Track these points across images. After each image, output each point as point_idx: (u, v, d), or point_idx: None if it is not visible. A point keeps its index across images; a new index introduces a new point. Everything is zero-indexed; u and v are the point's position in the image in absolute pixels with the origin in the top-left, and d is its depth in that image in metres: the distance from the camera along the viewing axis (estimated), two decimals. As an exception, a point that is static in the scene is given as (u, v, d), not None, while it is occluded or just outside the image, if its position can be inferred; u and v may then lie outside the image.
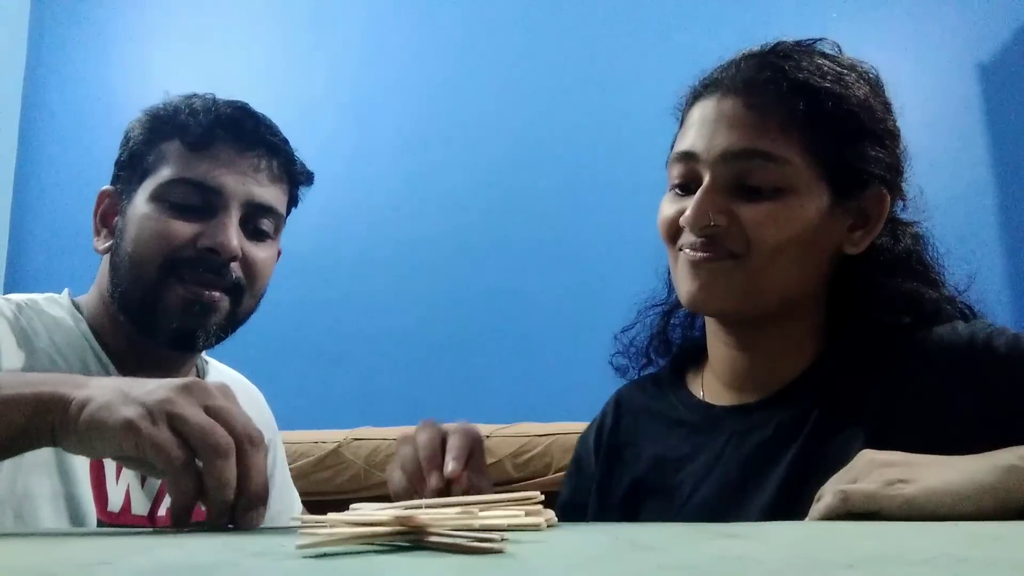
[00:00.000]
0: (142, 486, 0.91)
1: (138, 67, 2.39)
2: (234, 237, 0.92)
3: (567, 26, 2.25)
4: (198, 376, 1.05)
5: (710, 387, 0.87)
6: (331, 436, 1.65)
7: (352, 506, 0.51)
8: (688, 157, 0.79)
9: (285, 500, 1.12)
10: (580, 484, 0.92)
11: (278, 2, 2.42)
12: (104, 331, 0.94)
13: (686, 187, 0.80)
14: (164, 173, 0.93)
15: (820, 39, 0.82)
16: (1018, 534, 0.47)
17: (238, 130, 0.95)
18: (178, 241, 0.91)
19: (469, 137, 2.22)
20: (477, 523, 0.45)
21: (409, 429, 0.76)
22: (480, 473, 0.76)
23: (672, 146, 0.83)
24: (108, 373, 0.92)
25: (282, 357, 2.01)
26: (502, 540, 0.40)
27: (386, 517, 0.43)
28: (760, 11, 2.11)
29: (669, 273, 0.86)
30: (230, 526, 0.60)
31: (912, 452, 0.62)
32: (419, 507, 0.49)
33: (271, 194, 0.97)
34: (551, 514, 0.55)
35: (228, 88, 1.02)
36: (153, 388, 0.60)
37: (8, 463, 0.79)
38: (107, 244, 0.96)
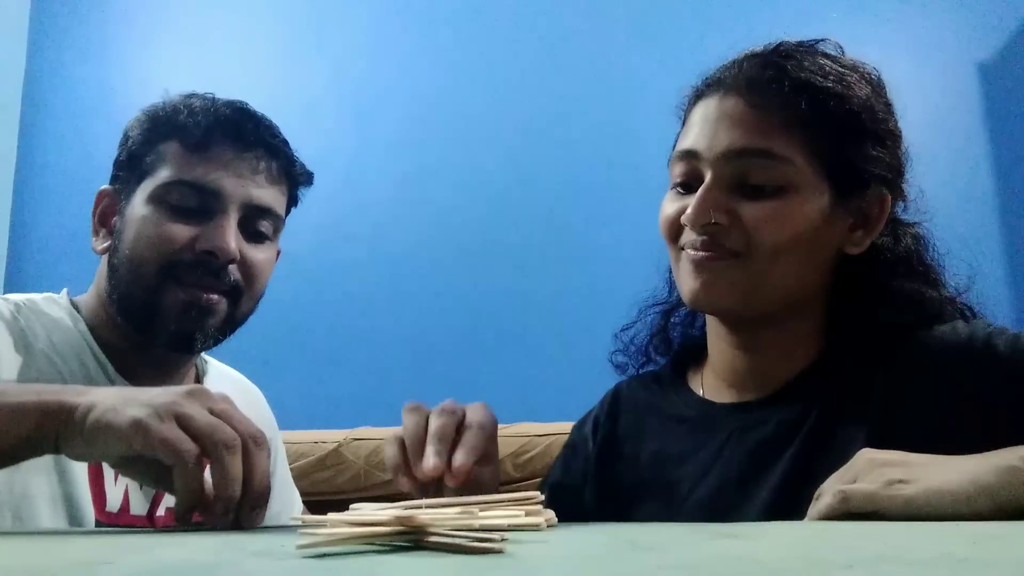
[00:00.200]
0: (140, 487, 0.91)
1: (138, 67, 2.39)
2: (232, 240, 0.92)
3: (567, 27, 2.25)
4: (197, 376, 1.05)
5: (710, 385, 0.87)
6: (331, 436, 1.65)
7: (352, 506, 0.51)
8: (690, 155, 0.79)
9: (285, 499, 1.12)
10: (573, 466, 0.92)
11: (278, 2, 2.41)
12: (103, 331, 0.94)
13: (687, 185, 0.80)
14: (162, 174, 0.93)
15: (822, 40, 0.83)
16: (1018, 534, 0.47)
17: (237, 131, 0.95)
18: (176, 244, 0.91)
19: (469, 137, 2.21)
20: (477, 523, 0.45)
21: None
22: (490, 461, 0.75)
23: (674, 145, 0.83)
24: (106, 373, 0.92)
25: (282, 357, 2.01)
26: (502, 540, 0.40)
27: (386, 517, 0.43)
28: (760, 11, 2.11)
29: (670, 272, 0.86)
30: (227, 525, 0.60)
31: (912, 452, 0.62)
32: (419, 507, 0.49)
33: (270, 195, 0.97)
34: (551, 514, 0.55)
35: (228, 88, 1.02)
36: (157, 393, 0.63)
37: (7, 463, 0.80)
38: (105, 245, 0.96)
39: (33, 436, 0.63)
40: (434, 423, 0.69)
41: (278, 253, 1.02)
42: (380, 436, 1.63)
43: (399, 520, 0.43)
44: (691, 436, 0.83)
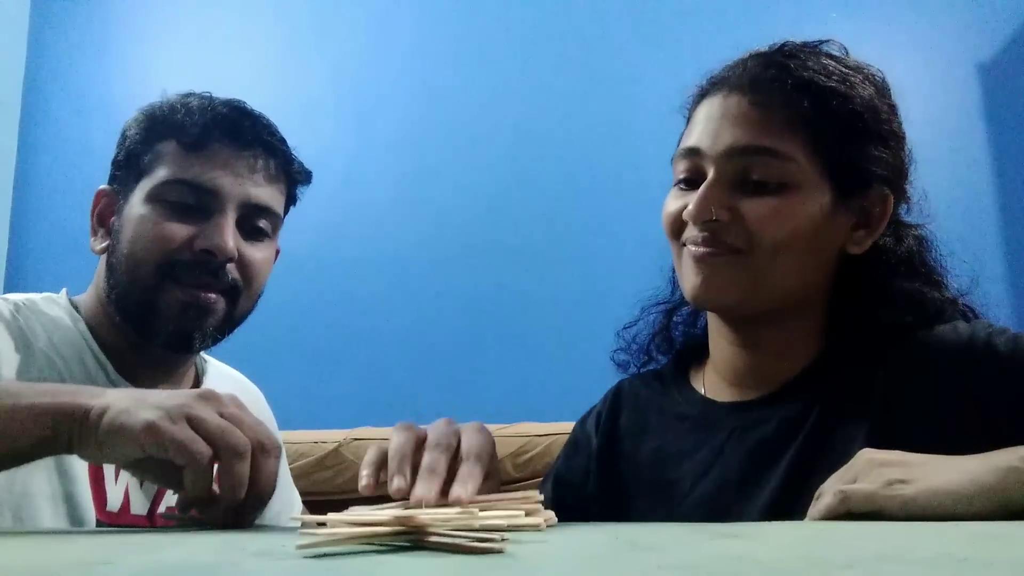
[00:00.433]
0: (140, 486, 0.91)
1: (138, 67, 2.39)
2: (230, 239, 0.92)
3: (568, 26, 2.25)
4: (197, 375, 1.05)
5: (712, 384, 0.87)
6: (331, 436, 1.65)
7: (350, 508, 0.51)
8: (693, 153, 0.79)
9: (285, 500, 1.12)
10: (575, 462, 0.92)
11: (278, 2, 2.42)
12: (102, 331, 0.94)
13: (690, 182, 0.80)
14: (160, 173, 0.93)
15: (827, 40, 0.83)
16: (1018, 534, 0.47)
17: (235, 130, 0.95)
18: (174, 243, 0.91)
19: (470, 136, 2.22)
20: (477, 523, 0.45)
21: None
22: (493, 478, 0.67)
23: (678, 144, 0.83)
24: (106, 373, 0.92)
25: (282, 357, 2.01)
26: (502, 540, 0.40)
27: (386, 517, 0.43)
28: (760, 11, 2.11)
29: (673, 271, 0.87)
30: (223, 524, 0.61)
31: (913, 451, 0.62)
32: (419, 507, 0.49)
33: (268, 194, 0.97)
34: (551, 514, 0.55)
35: (228, 88, 1.02)
36: (170, 395, 0.63)
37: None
38: (104, 244, 0.96)
39: (48, 437, 0.63)
40: (427, 458, 0.61)
41: (277, 252, 1.02)
42: (380, 436, 1.63)
43: (399, 520, 0.43)
44: (692, 434, 0.84)
